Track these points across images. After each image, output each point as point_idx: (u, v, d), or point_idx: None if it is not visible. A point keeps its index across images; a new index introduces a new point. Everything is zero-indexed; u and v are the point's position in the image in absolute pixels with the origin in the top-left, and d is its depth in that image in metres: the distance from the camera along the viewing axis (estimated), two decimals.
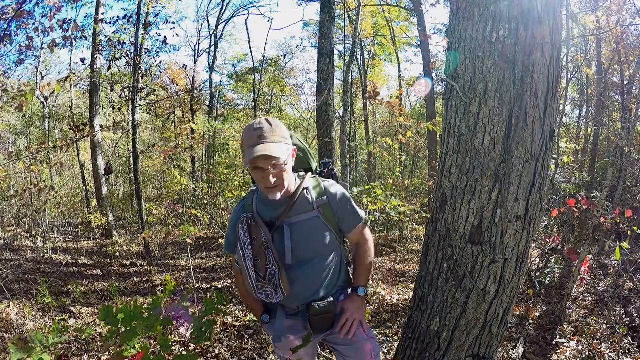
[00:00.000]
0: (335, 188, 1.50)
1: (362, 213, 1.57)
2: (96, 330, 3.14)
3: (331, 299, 1.49)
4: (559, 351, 2.78)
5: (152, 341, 2.68)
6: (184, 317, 1.65)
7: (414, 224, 6.83)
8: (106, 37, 6.30)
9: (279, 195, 1.36)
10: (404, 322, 2.31)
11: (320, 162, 1.72)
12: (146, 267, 5.84)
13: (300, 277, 1.44)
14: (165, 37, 6.89)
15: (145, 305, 1.60)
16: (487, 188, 1.56)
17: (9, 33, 4.49)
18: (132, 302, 1.86)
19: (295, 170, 1.52)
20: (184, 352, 2.70)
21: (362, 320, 1.55)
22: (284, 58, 16.03)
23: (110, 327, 1.45)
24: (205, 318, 1.62)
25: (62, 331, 1.54)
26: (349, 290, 1.59)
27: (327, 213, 1.46)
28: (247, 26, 11.95)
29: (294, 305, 1.51)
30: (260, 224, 1.40)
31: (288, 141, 1.37)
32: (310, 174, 1.54)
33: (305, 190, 1.45)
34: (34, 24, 4.55)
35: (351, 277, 1.62)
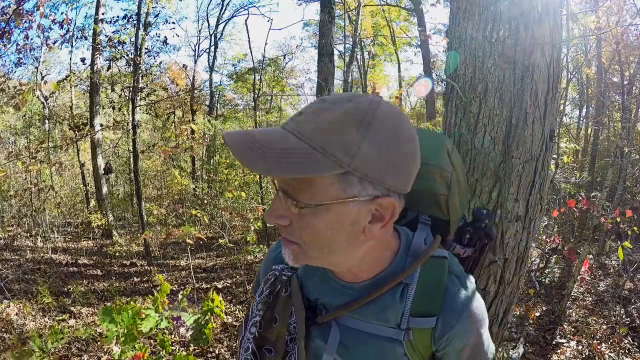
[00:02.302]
0: (469, 311, 0.68)
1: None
2: (96, 330, 3.14)
3: None
4: (559, 351, 2.78)
5: (151, 341, 2.68)
6: (180, 322, 1.65)
7: None
8: (106, 37, 6.30)
9: (291, 260, 0.63)
10: None
11: (474, 211, 0.88)
12: (146, 267, 5.84)
13: None
14: (165, 37, 6.91)
15: (145, 306, 1.60)
16: (487, 188, 1.56)
17: (8, 30, 4.50)
18: (131, 303, 1.86)
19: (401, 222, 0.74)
20: (184, 352, 2.70)
21: None
22: (284, 58, 16.02)
23: (109, 328, 1.45)
24: (203, 319, 1.63)
25: (61, 335, 1.54)
26: None
27: (421, 345, 0.69)
28: (247, 26, 11.94)
29: None
30: (297, 301, 0.72)
31: (351, 149, 0.53)
32: (437, 240, 0.71)
33: (403, 287, 0.68)
34: (26, 21, 4.56)
35: None
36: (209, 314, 1.81)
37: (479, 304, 0.70)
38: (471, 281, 0.71)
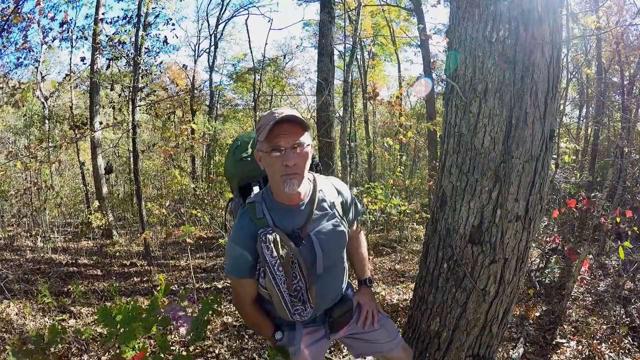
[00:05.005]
0: (339, 181, 1.46)
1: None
2: (96, 330, 3.14)
3: (347, 296, 1.48)
4: (559, 351, 2.78)
5: (151, 341, 2.68)
6: (182, 318, 1.65)
7: (414, 224, 6.84)
8: (107, 36, 6.29)
9: (296, 187, 1.18)
10: (404, 322, 2.31)
11: None
12: (146, 267, 5.83)
13: (325, 285, 1.35)
14: (165, 37, 6.89)
15: (144, 306, 1.60)
16: (487, 188, 1.55)
17: (6, 28, 4.50)
18: (131, 303, 1.86)
19: None
20: (184, 353, 2.70)
21: (376, 305, 1.58)
22: (284, 58, 16.01)
23: (108, 328, 1.45)
24: (202, 319, 1.62)
25: (61, 333, 1.53)
26: (354, 284, 1.63)
27: (342, 210, 1.38)
28: (247, 26, 12.01)
29: (315, 314, 1.40)
30: (284, 239, 1.22)
31: (310, 131, 1.24)
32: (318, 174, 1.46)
33: (320, 191, 1.32)
34: (25, 20, 4.57)
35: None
36: (208, 312, 1.80)
37: (343, 183, 1.47)
38: (330, 176, 1.44)
